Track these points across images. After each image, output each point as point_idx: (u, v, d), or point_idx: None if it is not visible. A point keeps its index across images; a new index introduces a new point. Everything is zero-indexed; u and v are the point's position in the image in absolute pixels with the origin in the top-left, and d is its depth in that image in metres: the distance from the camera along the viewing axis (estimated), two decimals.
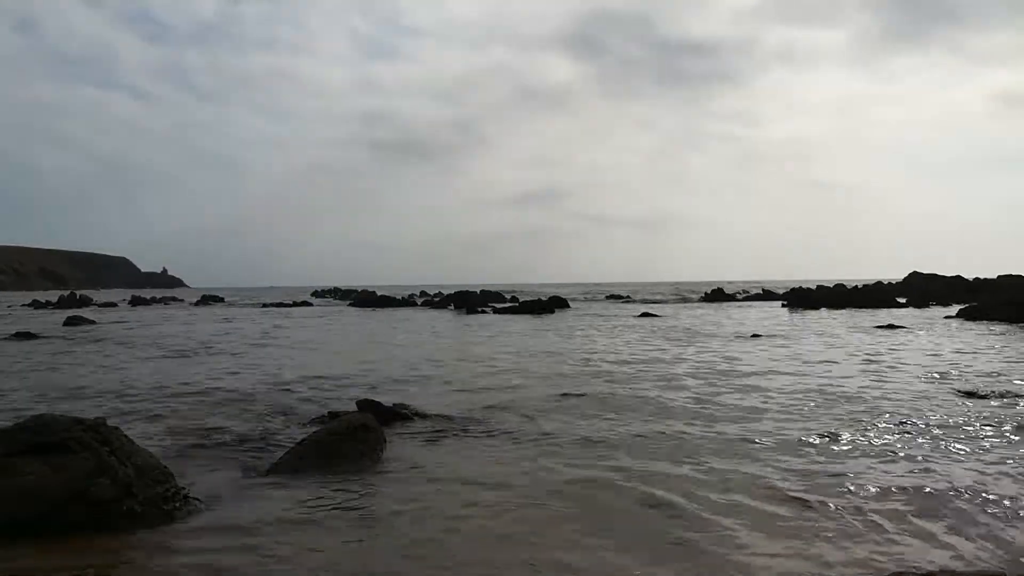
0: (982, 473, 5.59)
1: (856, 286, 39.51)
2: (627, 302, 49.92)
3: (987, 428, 7.15)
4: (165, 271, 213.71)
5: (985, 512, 4.68)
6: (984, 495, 5.00)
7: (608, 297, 59.25)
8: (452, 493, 5.26)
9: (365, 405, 7.98)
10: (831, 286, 41.50)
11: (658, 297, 56.68)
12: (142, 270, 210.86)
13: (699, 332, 21.28)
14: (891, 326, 21.36)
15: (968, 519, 4.57)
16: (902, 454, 6.21)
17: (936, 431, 7.06)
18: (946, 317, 25.58)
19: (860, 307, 32.94)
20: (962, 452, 6.25)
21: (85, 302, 50.36)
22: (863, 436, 6.89)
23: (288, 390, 10.30)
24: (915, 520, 4.57)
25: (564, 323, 26.84)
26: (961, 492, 5.08)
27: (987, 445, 6.48)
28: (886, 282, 50.52)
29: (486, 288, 61.23)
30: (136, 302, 55.49)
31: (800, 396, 9.21)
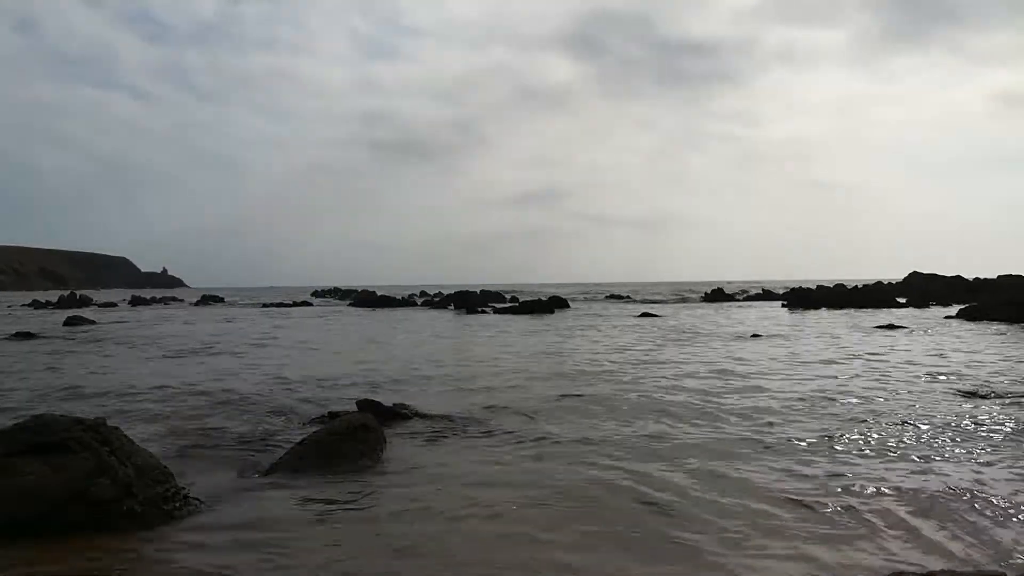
0: (982, 474, 5.59)
1: (856, 286, 39.51)
2: (627, 302, 49.91)
3: (987, 428, 7.15)
4: (165, 271, 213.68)
5: (985, 513, 4.69)
6: (984, 496, 5.00)
7: (608, 297, 59.24)
8: (452, 493, 5.26)
9: (365, 405, 7.98)
10: (831, 286, 41.50)
11: (658, 297, 56.68)
12: (142, 270, 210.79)
13: (699, 332, 21.28)
14: (891, 326, 21.36)
15: (968, 520, 4.57)
16: (902, 455, 6.21)
17: (936, 432, 7.06)
18: (946, 317, 25.58)
19: (860, 307, 32.94)
20: (962, 453, 6.25)
21: (85, 302, 50.33)
22: (863, 437, 6.89)
23: (288, 390, 10.30)
24: (915, 521, 4.57)
25: (564, 323, 26.84)
26: (961, 493, 5.08)
27: (987, 446, 6.48)
28: (886, 282, 50.51)
29: (486, 288, 61.23)
30: (136, 302, 55.48)
31: (800, 397, 9.21)
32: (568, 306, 38.75)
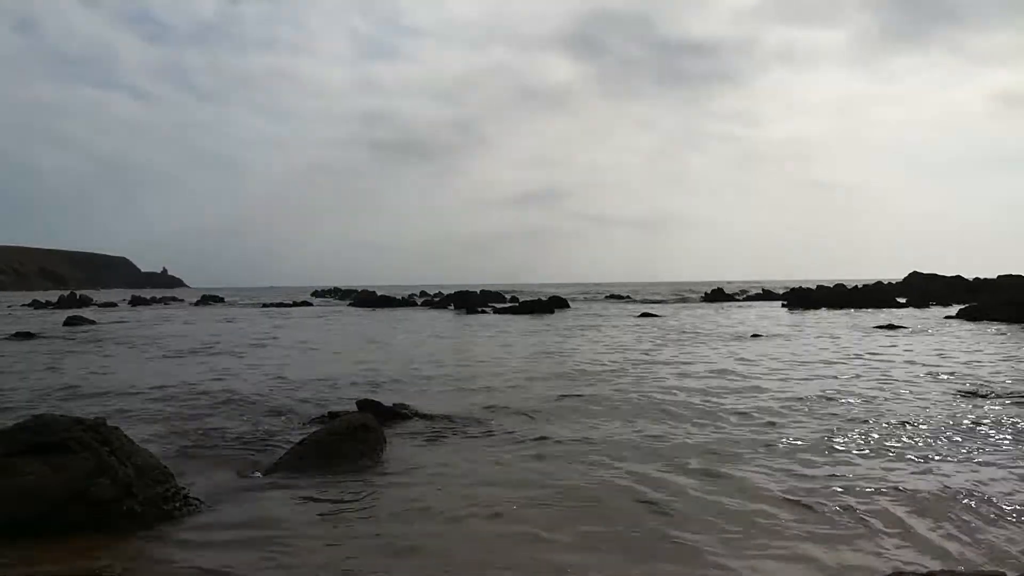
0: (982, 474, 5.60)
1: (856, 286, 39.52)
2: (627, 302, 49.91)
3: (987, 428, 7.15)
4: (165, 271, 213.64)
5: (985, 513, 4.68)
6: (984, 496, 5.00)
7: (608, 297, 59.23)
8: (452, 493, 5.26)
9: (365, 405, 7.99)
10: (831, 286, 41.51)
11: (658, 297, 56.67)
12: (142, 270, 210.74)
13: (699, 332, 21.28)
14: (891, 326, 21.36)
15: (968, 520, 4.57)
16: (902, 455, 6.21)
17: (936, 432, 7.06)
18: (946, 317, 25.58)
19: (860, 307, 32.95)
20: (962, 453, 6.25)
21: (85, 302, 50.33)
22: (863, 437, 6.90)
23: (288, 390, 10.30)
24: (914, 521, 4.57)
25: (564, 323, 26.84)
26: (961, 493, 5.07)
27: (987, 446, 6.48)
28: (886, 282, 50.52)
29: (486, 288, 61.22)
30: (136, 302, 55.49)
31: (800, 397, 9.21)
32: (568, 306, 38.76)
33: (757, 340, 18.12)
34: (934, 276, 43.90)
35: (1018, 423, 7.34)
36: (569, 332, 22.20)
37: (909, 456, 6.14)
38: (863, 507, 4.81)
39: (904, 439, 6.77)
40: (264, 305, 49.24)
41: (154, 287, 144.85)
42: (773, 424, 7.58)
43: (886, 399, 8.95)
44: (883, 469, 5.76)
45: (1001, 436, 6.83)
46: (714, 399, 9.14)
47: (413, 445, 6.86)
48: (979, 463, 5.89)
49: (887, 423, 7.50)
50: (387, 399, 8.55)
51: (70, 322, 27.49)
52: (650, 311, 32.68)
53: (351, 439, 6.24)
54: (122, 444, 4.80)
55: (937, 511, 4.72)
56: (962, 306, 27.40)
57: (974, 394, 9.17)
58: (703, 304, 44.96)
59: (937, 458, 6.07)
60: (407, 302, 47.41)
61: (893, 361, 13.07)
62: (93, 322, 28.36)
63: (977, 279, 40.80)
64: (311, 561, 4.02)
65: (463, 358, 14.84)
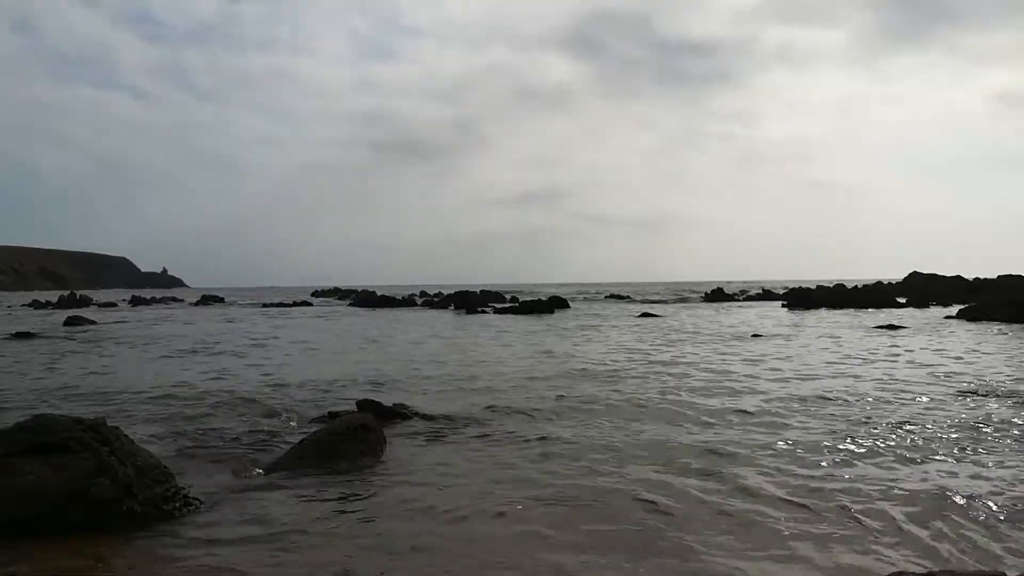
0: (982, 474, 5.60)
1: (856, 286, 39.52)
2: (627, 302, 49.90)
3: (987, 428, 7.15)
4: (165, 271, 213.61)
5: (985, 513, 4.69)
6: (984, 496, 5.00)
7: (608, 297, 59.20)
8: (452, 493, 5.26)
9: (365, 405, 7.99)
10: (831, 286, 41.52)
11: (658, 297, 56.67)
12: (142, 270, 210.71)
13: (699, 332, 21.28)
14: (891, 326, 21.36)
15: (968, 520, 4.57)
16: (901, 455, 6.21)
17: (935, 431, 7.06)
18: (946, 317, 25.59)
19: (860, 307, 32.95)
20: (962, 453, 6.25)
21: (85, 302, 50.32)
22: (862, 437, 6.89)
23: (288, 390, 10.30)
24: (914, 521, 4.56)
25: (564, 323, 26.84)
26: (961, 493, 5.07)
27: (987, 445, 6.48)
28: (886, 282, 50.52)
29: (486, 288, 61.24)
30: (136, 302, 55.47)
31: (799, 397, 9.21)
32: (568, 306, 38.75)
33: (757, 340, 18.12)
34: (934, 276, 43.94)
35: (1018, 423, 7.34)
36: (569, 332, 22.20)
37: (909, 456, 6.14)
38: (862, 508, 4.81)
39: (904, 439, 6.77)
40: (264, 305, 49.22)
41: (154, 287, 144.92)
42: (773, 424, 7.58)
43: (886, 399, 8.95)
44: (883, 470, 5.76)
45: (1001, 436, 6.83)
46: (714, 399, 9.14)
47: (413, 445, 6.86)
48: (979, 463, 5.89)
49: (887, 423, 7.50)
50: (387, 399, 8.55)
51: (70, 322, 27.48)
52: (650, 311, 32.68)
53: (351, 439, 6.25)
54: (122, 444, 4.80)
55: (937, 512, 4.72)
56: (962, 306, 27.42)
57: (974, 394, 9.17)
58: (703, 304, 44.96)
59: (937, 458, 6.07)
60: (407, 302, 47.37)
61: (893, 361, 13.07)
62: (93, 322, 28.36)
63: (977, 279, 40.84)
64: (311, 560, 4.03)
65: (463, 358, 14.83)
